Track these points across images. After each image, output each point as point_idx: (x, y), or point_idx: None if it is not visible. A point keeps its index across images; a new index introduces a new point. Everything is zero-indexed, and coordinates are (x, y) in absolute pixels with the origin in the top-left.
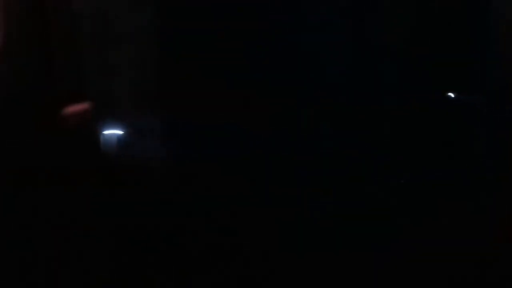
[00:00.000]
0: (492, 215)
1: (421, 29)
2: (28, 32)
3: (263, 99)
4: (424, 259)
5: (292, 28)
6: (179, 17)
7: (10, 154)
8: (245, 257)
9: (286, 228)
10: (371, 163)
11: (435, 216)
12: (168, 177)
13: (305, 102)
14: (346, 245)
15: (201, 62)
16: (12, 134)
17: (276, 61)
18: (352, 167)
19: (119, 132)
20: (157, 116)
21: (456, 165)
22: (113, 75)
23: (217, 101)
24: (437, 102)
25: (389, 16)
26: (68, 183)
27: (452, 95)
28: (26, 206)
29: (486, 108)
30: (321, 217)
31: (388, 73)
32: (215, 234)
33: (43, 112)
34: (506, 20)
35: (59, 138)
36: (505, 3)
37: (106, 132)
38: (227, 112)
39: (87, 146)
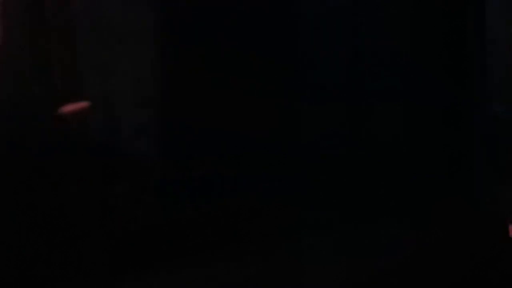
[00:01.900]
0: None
1: (418, 31)
2: (27, 32)
3: (262, 99)
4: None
5: (292, 30)
6: (179, 17)
7: (9, 152)
8: (243, 253)
9: (285, 226)
10: (370, 163)
11: (433, 216)
12: (166, 175)
13: (304, 103)
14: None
15: (200, 63)
16: (11, 133)
17: (275, 61)
18: (350, 167)
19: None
20: (156, 116)
21: (453, 166)
22: (112, 75)
23: (216, 101)
24: (434, 103)
25: (387, 19)
26: (66, 181)
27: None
28: (24, 203)
29: (484, 109)
30: (321, 217)
31: (386, 76)
32: (213, 232)
33: (42, 111)
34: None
35: (58, 136)
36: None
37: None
38: (226, 112)
39: (86, 144)
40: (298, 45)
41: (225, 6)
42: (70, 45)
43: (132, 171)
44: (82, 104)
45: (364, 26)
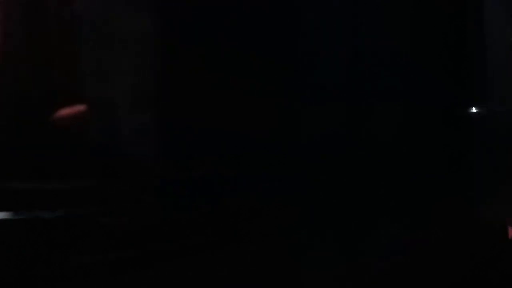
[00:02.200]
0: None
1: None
2: (27, 34)
3: (263, 102)
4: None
5: (294, 32)
6: (179, 20)
7: (7, 154)
8: (243, 254)
9: (285, 228)
10: (369, 163)
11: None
12: (165, 178)
13: (304, 105)
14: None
15: (202, 65)
16: (9, 135)
17: (277, 64)
18: (349, 167)
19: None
20: (156, 119)
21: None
22: (112, 78)
23: (217, 103)
24: (434, 107)
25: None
26: (65, 184)
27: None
28: (23, 204)
29: (484, 114)
30: (318, 218)
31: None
32: (213, 232)
33: (41, 115)
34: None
35: (57, 139)
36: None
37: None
38: (227, 114)
39: (85, 147)
40: (298, 45)
41: (224, 6)
42: (70, 45)
43: (131, 171)
44: (80, 108)
45: (363, 26)
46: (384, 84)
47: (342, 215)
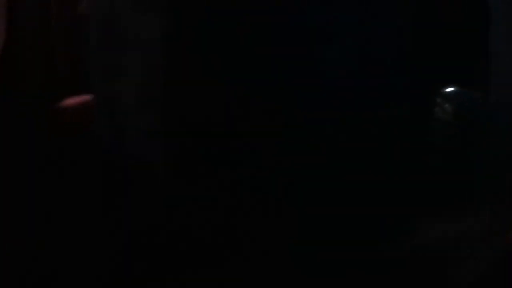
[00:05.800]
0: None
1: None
2: (32, 34)
3: (268, 105)
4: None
5: (300, 34)
6: (187, 21)
7: (10, 154)
8: (246, 256)
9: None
10: (368, 165)
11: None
12: (169, 179)
13: (309, 107)
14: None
15: (208, 67)
16: (13, 135)
17: (284, 68)
18: (349, 169)
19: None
20: (161, 120)
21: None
22: (118, 78)
23: (222, 105)
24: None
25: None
26: (67, 183)
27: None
28: (26, 206)
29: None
30: (319, 218)
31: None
32: (216, 234)
33: (45, 114)
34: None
35: (61, 138)
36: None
37: None
38: (232, 117)
39: (88, 145)
40: (298, 46)
41: (230, 8)
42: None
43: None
44: (85, 98)
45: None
46: (384, 88)
47: (340, 217)
